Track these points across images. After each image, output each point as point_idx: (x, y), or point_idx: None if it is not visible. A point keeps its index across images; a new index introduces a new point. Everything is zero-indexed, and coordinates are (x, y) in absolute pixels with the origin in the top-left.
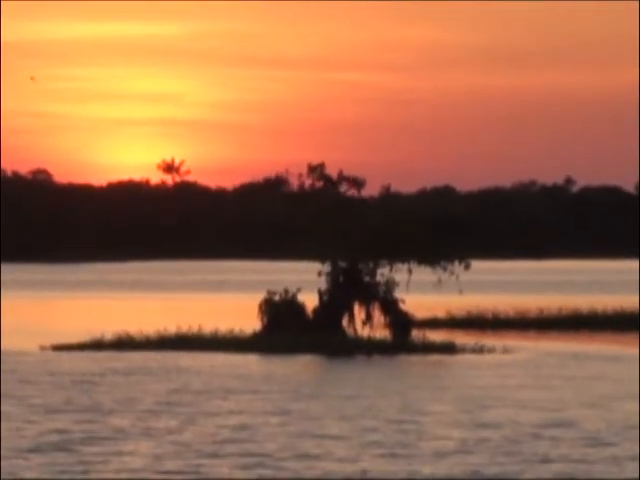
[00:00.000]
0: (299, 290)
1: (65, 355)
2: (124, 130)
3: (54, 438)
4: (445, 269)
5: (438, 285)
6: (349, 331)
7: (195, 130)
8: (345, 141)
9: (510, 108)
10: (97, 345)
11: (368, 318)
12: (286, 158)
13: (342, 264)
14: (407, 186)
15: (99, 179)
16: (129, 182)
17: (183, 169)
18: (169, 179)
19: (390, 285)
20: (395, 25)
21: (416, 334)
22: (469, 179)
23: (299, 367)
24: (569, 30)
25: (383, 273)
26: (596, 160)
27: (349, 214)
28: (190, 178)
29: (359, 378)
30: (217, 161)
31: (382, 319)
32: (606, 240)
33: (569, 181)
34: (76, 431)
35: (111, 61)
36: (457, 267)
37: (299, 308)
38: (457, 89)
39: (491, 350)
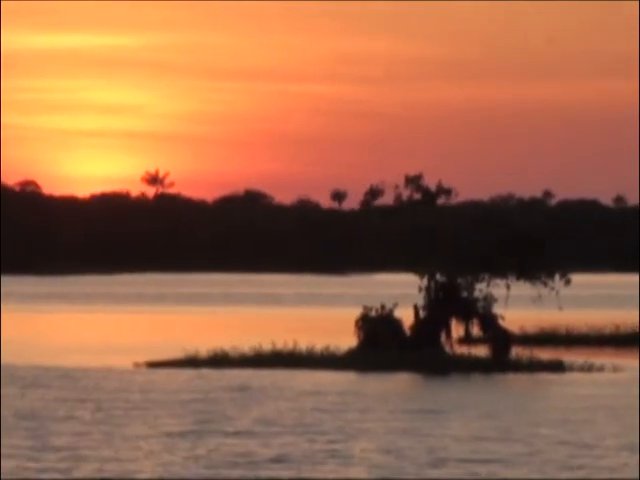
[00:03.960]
0: (396, 305)
1: (164, 372)
2: (84, 142)
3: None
4: (545, 284)
5: (538, 300)
6: (447, 348)
7: (155, 142)
8: (305, 153)
9: (476, 121)
10: (192, 362)
11: (467, 335)
12: (246, 169)
13: (441, 279)
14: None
15: (58, 190)
16: (113, 194)
17: (167, 181)
18: (148, 190)
19: (489, 301)
20: (356, 38)
21: (522, 352)
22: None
23: (404, 385)
24: (537, 43)
25: (481, 289)
26: (573, 174)
27: (449, 227)
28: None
29: (483, 397)
30: (177, 173)
31: (481, 336)
32: (584, 254)
33: (547, 194)
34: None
35: (70, 72)
36: (557, 282)
37: (396, 324)
38: (420, 102)
39: (600, 369)
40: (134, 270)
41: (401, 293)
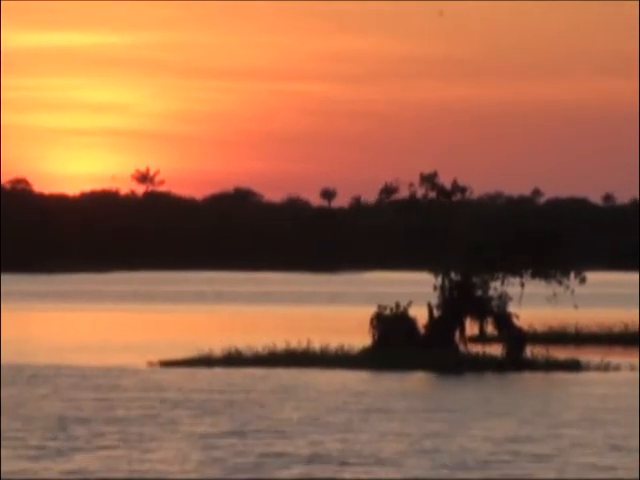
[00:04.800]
0: (410, 304)
1: (179, 372)
2: (70, 140)
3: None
4: (560, 283)
5: (553, 299)
6: (461, 347)
7: (142, 140)
8: (291, 152)
9: (465, 120)
10: (206, 361)
11: (481, 334)
12: (234, 168)
13: (455, 277)
14: (364, 197)
15: (47, 188)
16: (103, 192)
17: (157, 179)
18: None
19: (504, 299)
20: (343, 36)
21: (539, 350)
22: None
23: (420, 385)
24: (528, 42)
25: (496, 287)
26: (563, 172)
27: (464, 226)
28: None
29: (501, 396)
30: (165, 171)
31: (495, 335)
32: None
33: (536, 193)
34: (292, 452)
35: (56, 71)
36: (572, 281)
37: (411, 323)
38: (409, 101)
39: (617, 368)
40: (126, 268)
41: (402, 292)
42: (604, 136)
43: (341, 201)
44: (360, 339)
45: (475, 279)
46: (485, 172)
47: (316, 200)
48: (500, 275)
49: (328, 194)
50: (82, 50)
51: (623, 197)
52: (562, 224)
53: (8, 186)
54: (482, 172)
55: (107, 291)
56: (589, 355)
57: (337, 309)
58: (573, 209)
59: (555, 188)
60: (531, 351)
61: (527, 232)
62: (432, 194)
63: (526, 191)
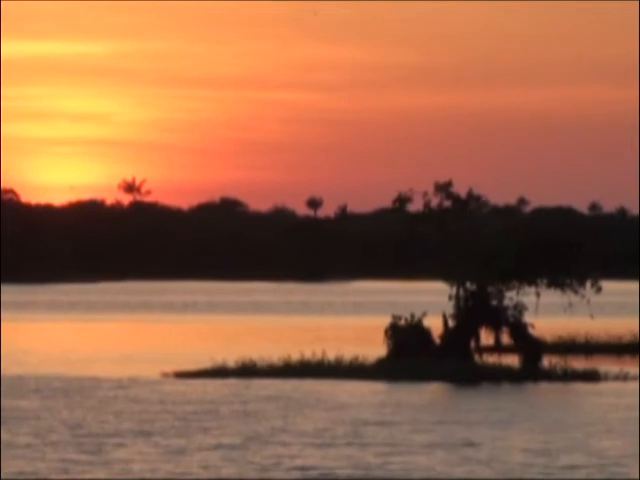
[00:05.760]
0: (425, 314)
1: (194, 383)
2: (52, 149)
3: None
4: (576, 292)
5: (568, 309)
6: (477, 357)
7: (123, 149)
8: (272, 160)
9: (449, 128)
10: (221, 372)
11: (497, 344)
12: (217, 177)
13: (470, 287)
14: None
15: (34, 198)
16: (89, 202)
17: (144, 189)
18: (124, 198)
19: (519, 309)
20: (323, 45)
21: (556, 361)
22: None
23: (438, 396)
24: (509, 48)
25: (511, 297)
26: (549, 181)
27: (478, 234)
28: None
29: (521, 407)
30: (150, 181)
31: (511, 344)
32: None
33: (522, 201)
34: (317, 465)
35: (35, 80)
36: (588, 290)
37: (425, 333)
38: (386, 109)
39: (635, 378)
40: (112, 278)
41: (395, 301)
42: (590, 144)
43: (327, 210)
44: (365, 349)
45: (490, 289)
46: (470, 181)
47: (302, 209)
48: (515, 285)
49: (314, 203)
50: (62, 59)
51: (609, 206)
52: (548, 233)
53: None
54: (467, 181)
55: (98, 301)
56: (598, 364)
57: (331, 319)
58: (559, 218)
59: (541, 197)
60: (549, 361)
61: (545, 241)
62: (447, 203)
63: (511, 200)
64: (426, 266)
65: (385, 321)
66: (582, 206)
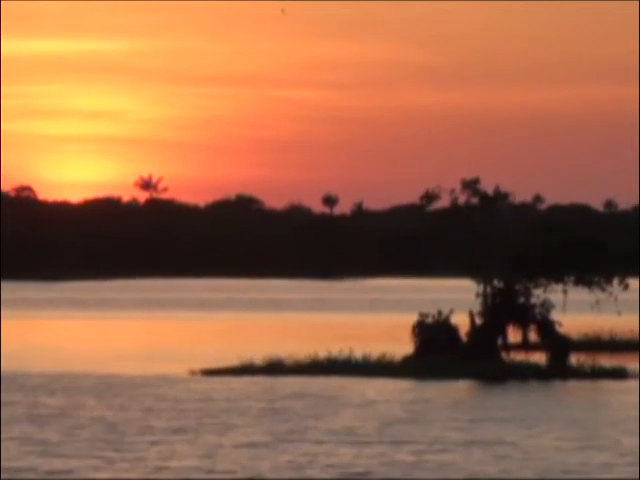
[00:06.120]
0: (452, 312)
1: (222, 380)
2: (66, 147)
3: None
4: (604, 289)
5: (596, 306)
6: (504, 355)
7: (138, 147)
8: (285, 158)
9: (464, 126)
10: (248, 370)
11: (524, 341)
12: (232, 175)
13: (497, 284)
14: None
15: (50, 195)
16: (105, 199)
17: (161, 186)
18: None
19: (547, 306)
20: (334, 43)
21: (584, 358)
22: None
23: (466, 393)
24: (519, 47)
25: (538, 294)
26: (564, 178)
27: (506, 232)
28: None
29: (552, 405)
30: (165, 178)
31: (538, 342)
32: None
33: (537, 199)
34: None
35: (51, 78)
36: (616, 287)
37: (453, 331)
38: (396, 107)
39: None
40: (129, 275)
41: (413, 298)
42: (606, 142)
43: (342, 207)
44: (387, 346)
45: (518, 286)
46: (485, 179)
47: (317, 207)
48: (543, 282)
49: (330, 200)
50: (78, 57)
51: (625, 203)
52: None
53: (13, 193)
54: (482, 179)
55: (114, 299)
56: (623, 362)
57: (352, 316)
58: (574, 215)
59: (556, 194)
60: (577, 359)
61: (573, 240)
62: (474, 200)
63: (527, 197)
64: (450, 263)
65: (405, 318)
66: (597, 204)
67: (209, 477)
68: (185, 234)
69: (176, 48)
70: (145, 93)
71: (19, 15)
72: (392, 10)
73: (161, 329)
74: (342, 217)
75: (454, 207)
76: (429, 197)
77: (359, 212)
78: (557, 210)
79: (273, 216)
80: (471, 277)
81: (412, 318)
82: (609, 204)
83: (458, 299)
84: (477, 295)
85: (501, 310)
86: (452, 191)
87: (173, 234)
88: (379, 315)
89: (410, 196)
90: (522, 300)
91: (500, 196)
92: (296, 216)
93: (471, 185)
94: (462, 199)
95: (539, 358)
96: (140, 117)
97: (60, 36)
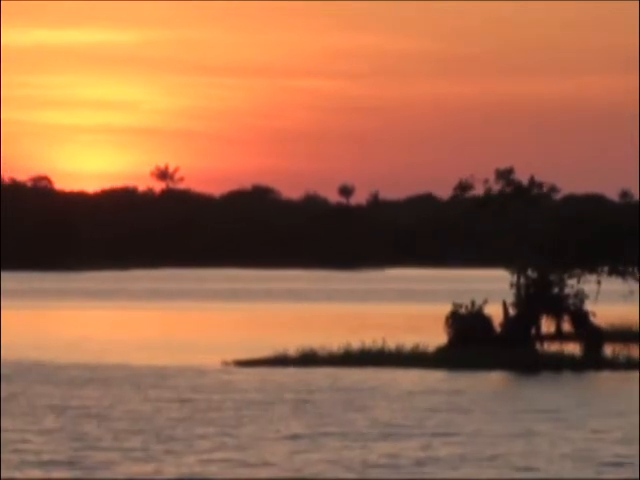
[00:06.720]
0: (486, 302)
1: (255, 371)
2: (80, 137)
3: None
4: (638, 280)
5: (629, 296)
6: (538, 345)
7: (152, 137)
8: (299, 148)
9: (478, 116)
10: (281, 360)
11: (558, 332)
12: (247, 165)
13: (531, 275)
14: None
15: (67, 185)
16: (122, 189)
17: (177, 176)
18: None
19: (580, 297)
20: (349, 33)
21: (618, 349)
22: (445, 187)
23: (502, 384)
24: (535, 38)
25: (572, 285)
26: (580, 168)
27: (541, 221)
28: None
29: (589, 396)
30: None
31: (572, 333)
32: None
33: (552, 189)
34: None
35: (65, 68)
36: None
37: (486, 321)
38: (410, 96)
39: None
40: (144, 265)
41: (431, 289)
42: (621, 132)
43: (358, 197)
44: (414, 337)
45: (552, 276)
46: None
47: (334, 197)
48: (577, 272)
49: (346, 190)
50: (92, 48)
51: None
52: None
53: (30, 183)
54: (492, 169)
55: (132, 289)
56: None
57: (373, 306)
58: (589, 205)
59: (571, 184)
60: (613, 349)
61: (606, 230)
62: (508, 190)
63: (542, 188)
64: (470, 254)
65: (425, 309)
66: (612, 193)
67: (250, 470)
68: (201, 224)
69: (190, 38)
70: (159, 83)
71: (33, 6)
72: (407, 0)
73: (184, 319)
74: (358, 207)
75: (487, 196)
76: (463, 187)
77: (375, 202)
78: (572, 200)
79: (289, 206)
80: (505, 267)
81: (432, 308)
82: (624, 194)
83: (478, 289)
84: (511, 286)
85: (535, 300)
86: (486, 181)
87: (189, 224)
88: (400, 305)
89: (426, 186)
90: (556, 290)
91: (535, 186)
92: (312, 206)
93: (505, 175)
94: (496, 189)
95: (573, 349)
96: (154, 107)
97: (75, 27)
